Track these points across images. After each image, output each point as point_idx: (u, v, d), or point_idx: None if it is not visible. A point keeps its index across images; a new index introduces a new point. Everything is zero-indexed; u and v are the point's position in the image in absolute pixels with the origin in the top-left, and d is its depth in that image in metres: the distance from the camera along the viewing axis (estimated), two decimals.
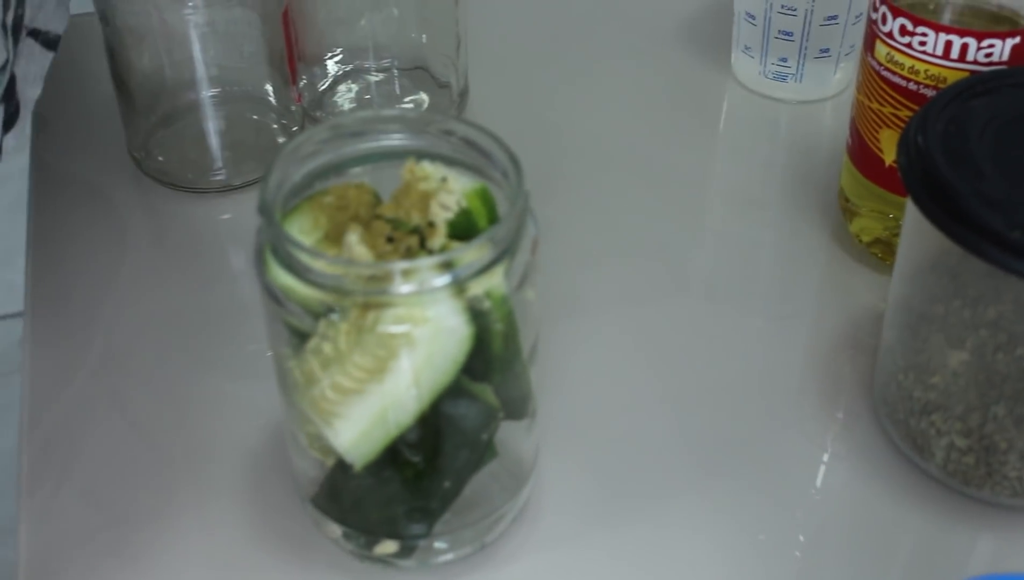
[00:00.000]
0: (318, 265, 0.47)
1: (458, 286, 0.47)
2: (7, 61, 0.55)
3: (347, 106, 0.78)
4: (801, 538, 0.57)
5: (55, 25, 0.61)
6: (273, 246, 0.48)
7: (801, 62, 0.79)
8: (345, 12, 0.75)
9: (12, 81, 0.56)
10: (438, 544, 0.54)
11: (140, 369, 0.65)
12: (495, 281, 0.47)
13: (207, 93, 0.74)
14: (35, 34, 0.59)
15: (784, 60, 0.80)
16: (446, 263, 0.46)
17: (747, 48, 0.81)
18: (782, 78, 0.81)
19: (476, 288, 0.47)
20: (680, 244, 0.73)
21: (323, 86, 0.77)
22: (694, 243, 0.73)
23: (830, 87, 0.81)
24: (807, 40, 0.78)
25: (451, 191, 0.49)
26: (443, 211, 0.49)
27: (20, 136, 0.58)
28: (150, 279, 0.70)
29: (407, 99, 0.77)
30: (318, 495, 0.54)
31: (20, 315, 0.69)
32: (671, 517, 0.57)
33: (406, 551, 0.54)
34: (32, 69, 0.58)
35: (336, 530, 0.55)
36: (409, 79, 0.77)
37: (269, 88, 0.75)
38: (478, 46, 0.79)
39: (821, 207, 0.74)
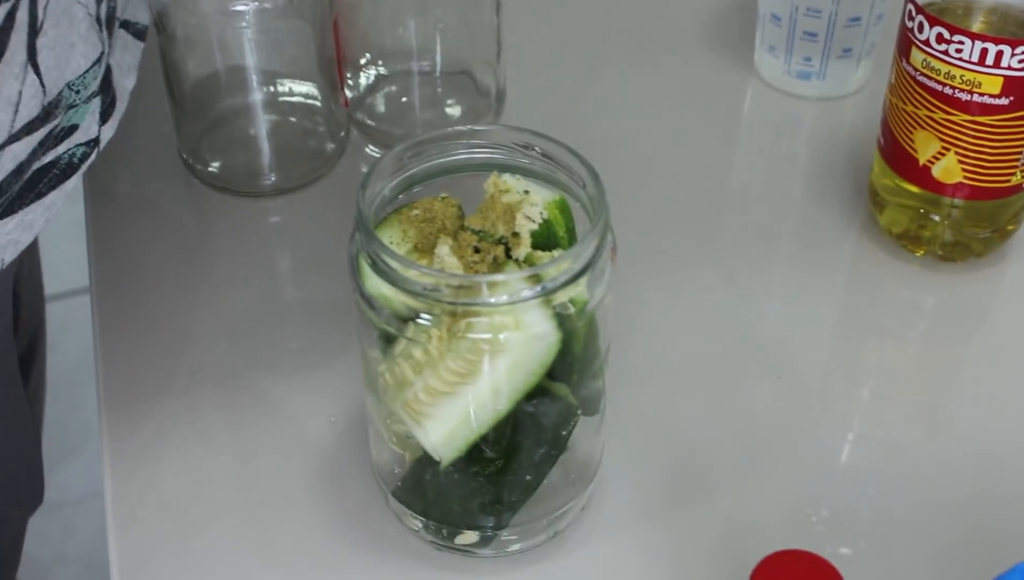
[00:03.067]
0: (412, 275, 0.49)
1: (545, 296, 0.49)
2: (103, 53, 0.57)
3: (386, 109, 0.80)
4: (831, 511, 0.60)
5: (141, 17, 0.63)
6: (369, 257, 0.50)
7: (824, 61, 0.83)
8: (390, 18, 0.77)
9: (108, 72, 0.58)
10: (513, 534, 0.57)
11: (204, 372, 0.67)
12: (579, 289, 0.50)
13: (257, 98, 0.76)
14: (126, 25, 0.60)
15: (808, 59, 0.83)
16: (535, 275, 0.49)
17: (772, 48, 0.84)
18: (805, 76, 0.84)
19: (562, 297, 0.50)
20: (712, 239, 0.76)
21: (365, 90, 0.80)
22: (726, 237, 0.76)
23: (851, 85, 0.85)
24: (831, 40, 0.81)
25: (534, 203, 0.52)
26: (528, 223, 0.52)
27: (115, 126, 0.60)
28: (206, 281, 0.73)
29: (447, 102, 0.80)
30: (400, 489, 0.57)
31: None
32: (725, 503, 0.61)
33: (484, 541, 0.57)
34: (126, 59, 0.60)
35: (417, 522, 0.57)
36: (449, 83, 0.80)
37: (316, 93, 0.78)
38: (511, 50, 0.82)
39: (847, 200, 0.77)
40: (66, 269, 1.46)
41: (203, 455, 0.63)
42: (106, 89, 0.57)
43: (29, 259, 0.82)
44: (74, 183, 0.57)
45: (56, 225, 1.22)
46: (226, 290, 0.72)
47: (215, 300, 0.72)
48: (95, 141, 0.57)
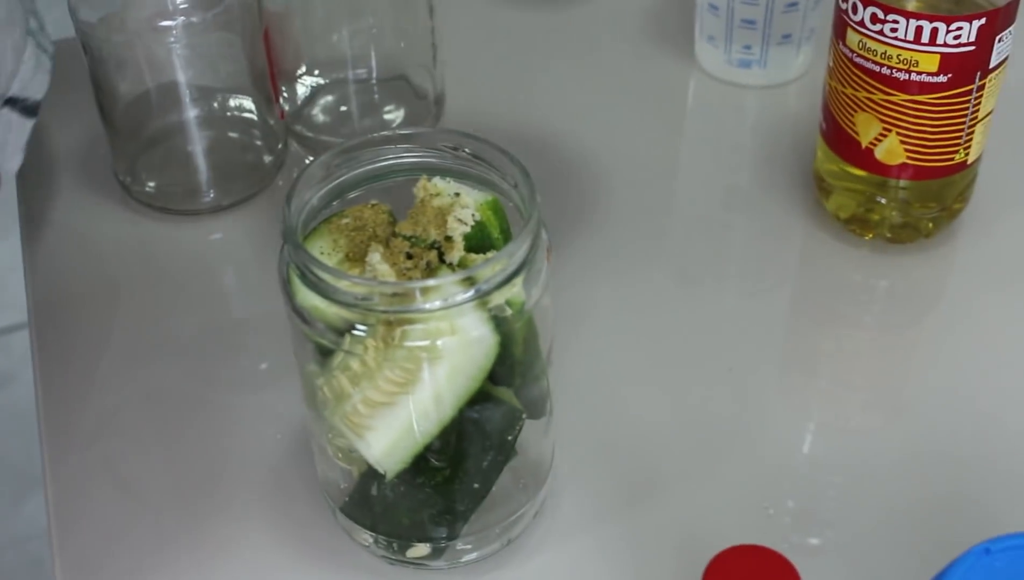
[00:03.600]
0: (344, 285, 0.48)
1: (481, 299, 0.48)
2: None
3: (324, 119, 0.79)
4: (791, 503, 0.59)
5: (33, 91, 0.60)
6: (299, 269, 0.49)
7: (764, 48, 0.82)
8: (322, 26, 0.76)
9: None
10: (466, 544, 0.56)
11: (148, 395, 0.66)
12: (515, 290, 0.49)
13: (191, 114, 0.75)
14: (12, 102, 0.58)
15: (748, 47, 0.82)
16: (468, 278, 0.48)
17: (711, 38, 0.83)
18: (746, 65, 0.83)
19: (498, 299, 0.49)
20: (659, 233, 0.75)
21: (302, 100, 0.79)
22: (674, 231, 0.76)
23: (793, 71, 0.84)
24: (769, 27, 0.81)
25: (465, 205, 0.51)
26: (460, 225, 0.51)
27: (3, 206, 0.57)
28: (148, 302, 0.71)
29: (386, 108, 0.79)
30: (348, 504, 0.56)
31: None
32: (681, 500, 0.60)
33: (437, 553, 0.56)
34: (10, 139, 0.57)
35: (367, 537, 0.56)
36: (387, 89, 0.79)
37: (251, 107, 0.76)
38: (448, 52, 0.81)
39: (794, 187, 0.76)
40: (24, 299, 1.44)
41: (150, 479, 0.62)
42: None
43: None
44: None
45: (4, 256, 1.20)
46: (169, 311, 0.71)
47: (158, 322, 0.70)
48: None
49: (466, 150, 0.53)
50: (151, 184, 0.76)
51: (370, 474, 0.54)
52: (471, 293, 0.48)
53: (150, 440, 0.64)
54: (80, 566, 0.58)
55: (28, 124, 0.59)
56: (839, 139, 0.69)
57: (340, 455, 0.55)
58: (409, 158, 0.53)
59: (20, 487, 1.56)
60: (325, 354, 0.51)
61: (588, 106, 0.84)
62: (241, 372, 0.67)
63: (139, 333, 0.69)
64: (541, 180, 0.52)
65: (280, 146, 0.77)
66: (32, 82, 0.60)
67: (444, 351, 0.49)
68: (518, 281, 0.49)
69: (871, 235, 0.72)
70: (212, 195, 0.75)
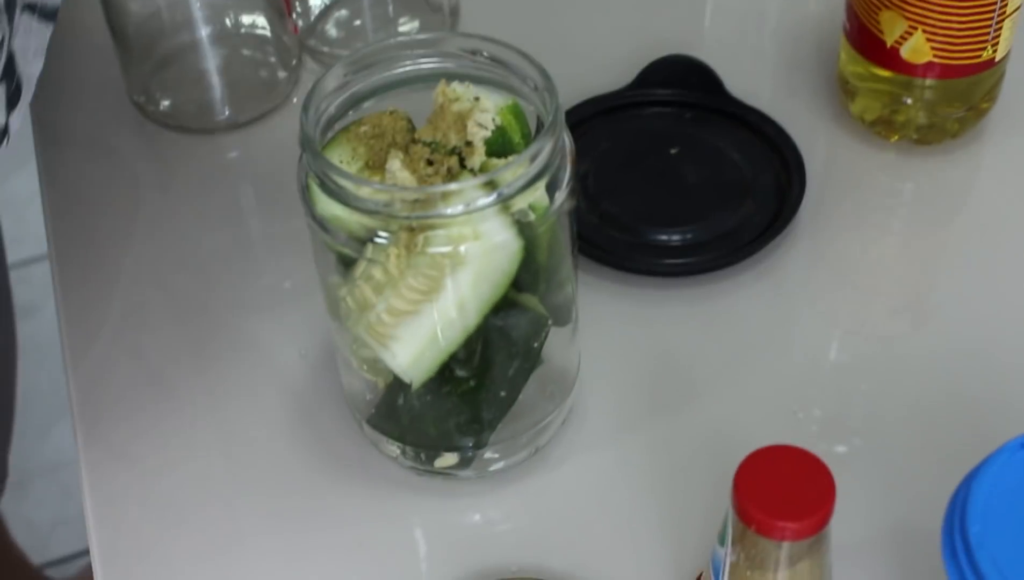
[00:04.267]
0: (365, 193, 0.48)
1: (503, 203, 0.48)
2: (3, 38, 0.54)
3: (339, 33, 0.78)
4: (818, 411, 0.59)
5: None
6: (318, 178, 0.49)
7: None
8: None
9: (11, 58, 0.55)
10: (493, 453, 0.56)
11: (172, 314, 0.66)
12: (538, 194, 0.49)
13: (203, 33, 0.74)
14: (31, 8, 0.57)
15: None
16: (490, 182, 0.47)
17: None
18: None
19: (520, 203, 0.48)
20: None
21: (316, 15, 0.78)
22: None
23: None
24: None
25: (485, 110, 0.50)
26: (480, 130, 0.50)
27: (24, 115, 0.56)
28: (167, 223, 0.71)
29: (400, 20, 0.78)
30: (374, 416, 0.56)
31: None
32: (708, 407, 0.59)
33: (464, 462, 0.56)
34: (31, 44, 0.57)
35: (394, 448, 0.56)
36: (401, 2, 0.77)
37: (264, 22, 0.75)
38: None
39: (817, 91, 0.75)
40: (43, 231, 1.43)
41: (176, 399, 0.62)
42: (10, 76, 0.54)
43: None
44: None
45: (22, 187, 1.19)
46: (189, 230, 0.70)
47: (178, 243, 0.70)
48: (4, 130, 0.54)
49: (484, 54, 0.52)
50: (166, 103, 0.75)
51: (396, 385, 0.53)
52: (493, 197, 0.47)
53: (175, 362, 0.63)
54: (109, 492, 0.58)
55: (47, 29, 0.58)
56: (864, 39, 0.68)
57: (365, 366, 0.54)
58: (427, 64, 0.52)
59: (48, 416, 1.57)
60: (347, 264, 0.51)
61: (604, 16, 0.82)
62: (263, 289, 0.67)
63: (159, 255, 0.69)
64: (561, 86, 0.51)
65: (294, 62, 0.76)
66: None
67: (467, 257, 0.48)
68: (540, 185, 0.48)
69: (897, 137, 0.71)
70: (228, 112, 0.74)
